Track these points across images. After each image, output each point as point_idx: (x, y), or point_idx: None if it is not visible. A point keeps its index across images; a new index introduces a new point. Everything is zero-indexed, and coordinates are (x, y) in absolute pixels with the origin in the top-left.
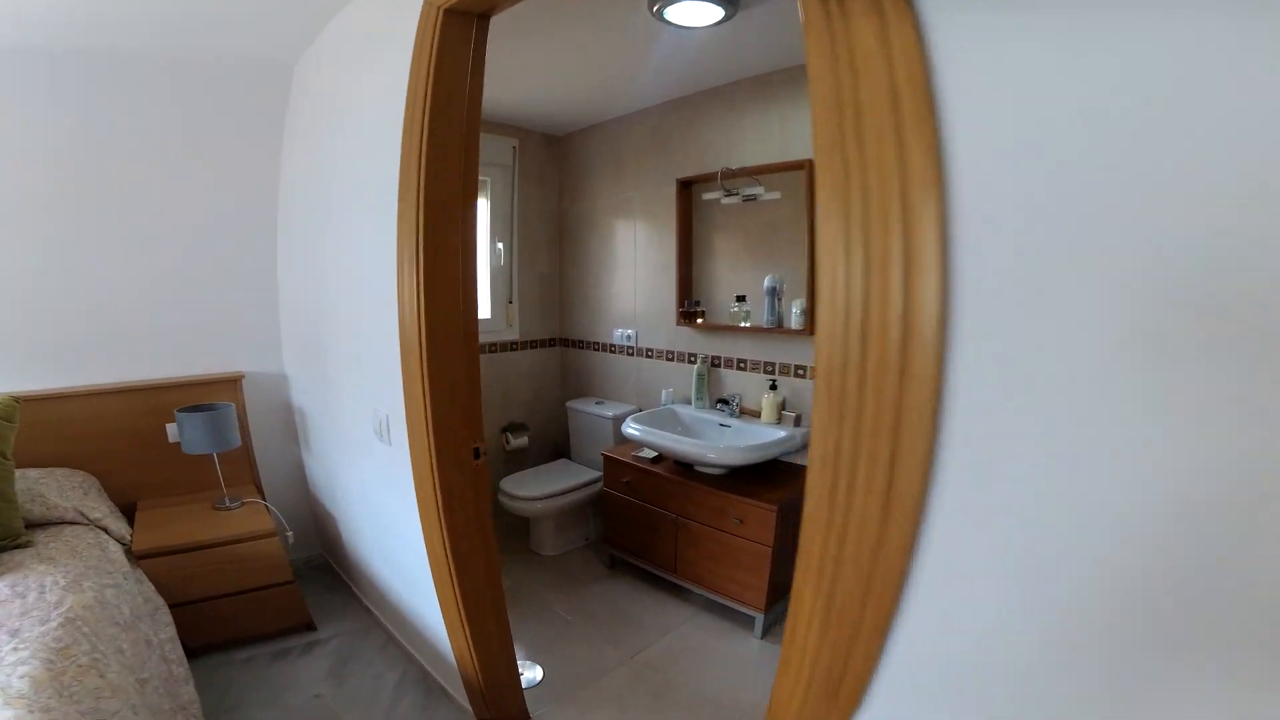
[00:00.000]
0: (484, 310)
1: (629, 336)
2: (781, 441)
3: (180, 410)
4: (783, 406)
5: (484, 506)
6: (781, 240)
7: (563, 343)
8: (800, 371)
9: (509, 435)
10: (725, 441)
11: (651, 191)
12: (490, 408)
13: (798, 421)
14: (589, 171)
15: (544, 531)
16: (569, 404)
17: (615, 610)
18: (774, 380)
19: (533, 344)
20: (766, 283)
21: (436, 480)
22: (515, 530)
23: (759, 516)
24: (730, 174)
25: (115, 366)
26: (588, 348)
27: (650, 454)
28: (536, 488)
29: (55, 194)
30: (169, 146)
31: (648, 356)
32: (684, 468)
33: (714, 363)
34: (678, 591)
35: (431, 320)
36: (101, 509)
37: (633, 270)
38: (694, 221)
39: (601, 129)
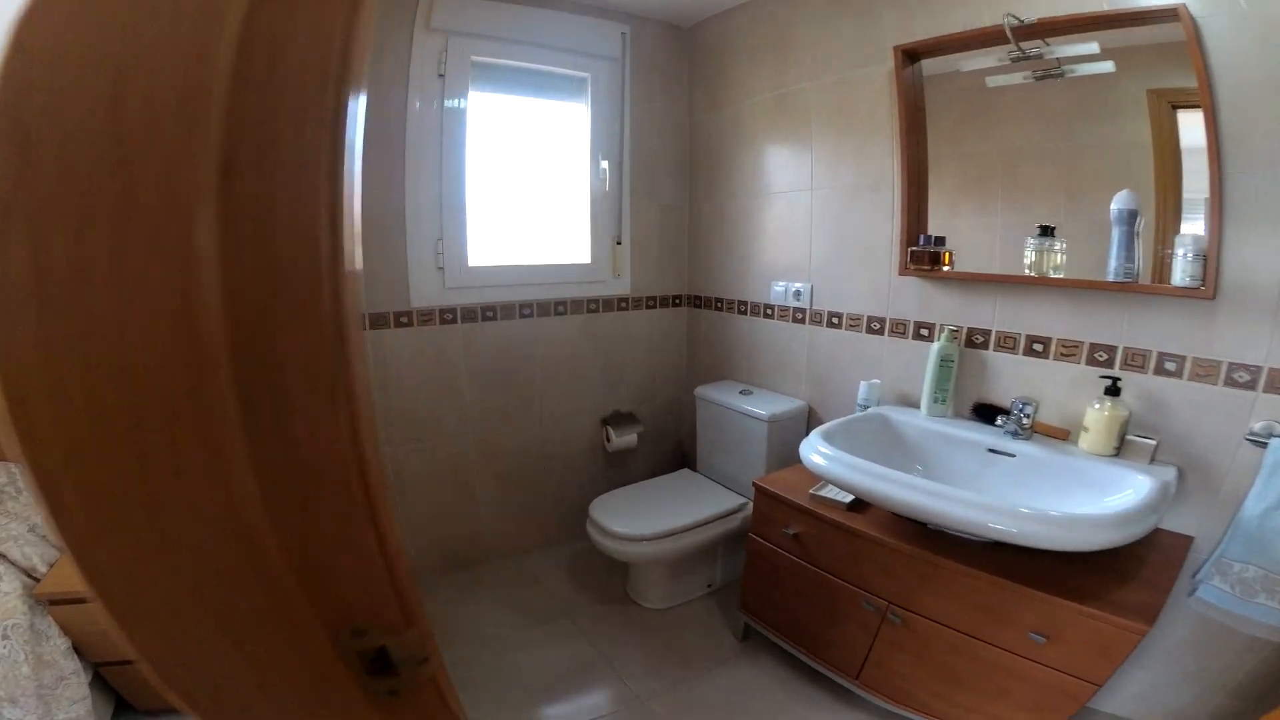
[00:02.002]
0: (580, 253)
1: (798, 294)
2: (1153, 505)
3: None
4: (1125, 426)
5: None
6: (1124, 140)
7: (693, 302)
8: (1171, 364)
9: (610, 430)
10: (999, 488)
11: (841, 76)
12: (588, 388)
13: (1154, 455)
14: (732, 65)
15: (648, 577)
16: (699, 391)
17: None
18: (1114, 378)
19: (650, 302)
20: (1118, 204)
21: None
22: (607, 565)
23: (1097, 636)
24: (1026, 31)
25: None
26: (730, 309)
27: (844, 497)
28: (643, 520)
29: None
30: None
31: (831, 325)
32: (911, 524)
33: (972, 340)
34: (842, 694)
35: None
36: (13, 526)
37: (806, 196)
38: (927, 113)
39: (750, 5)
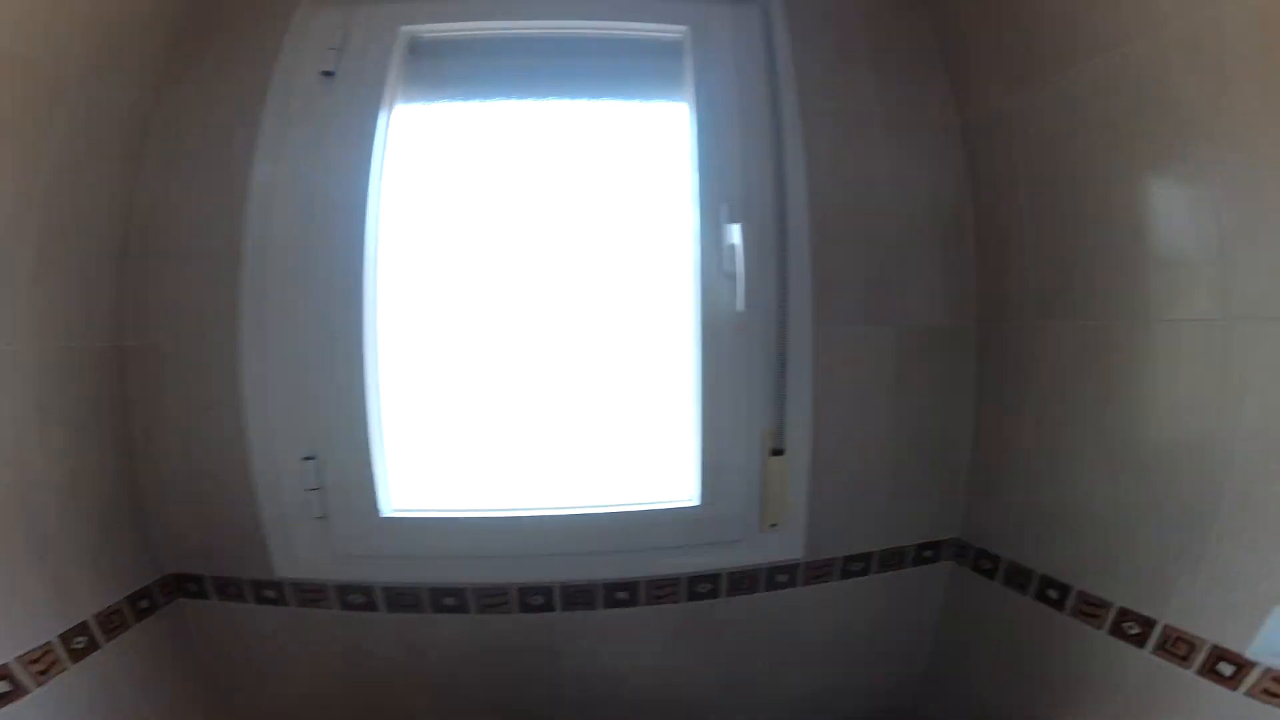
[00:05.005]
0: (673, 480)
1: None
2: None
3: None
4: None
5: None
6: None
7: (970, 558)
8: None
9: None
10: None
11: None
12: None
13: None
14: None
15: None
16: None
17: None
18: None
19: (853, 565)
20: None
21: None
22: None
23: None
24: None
25: None
26: (1089, 614)
27: None
28: None
29: None
30: None
31: None
32: None
33: None
34: None
35: None
36: None
37: None
38: None
39: None
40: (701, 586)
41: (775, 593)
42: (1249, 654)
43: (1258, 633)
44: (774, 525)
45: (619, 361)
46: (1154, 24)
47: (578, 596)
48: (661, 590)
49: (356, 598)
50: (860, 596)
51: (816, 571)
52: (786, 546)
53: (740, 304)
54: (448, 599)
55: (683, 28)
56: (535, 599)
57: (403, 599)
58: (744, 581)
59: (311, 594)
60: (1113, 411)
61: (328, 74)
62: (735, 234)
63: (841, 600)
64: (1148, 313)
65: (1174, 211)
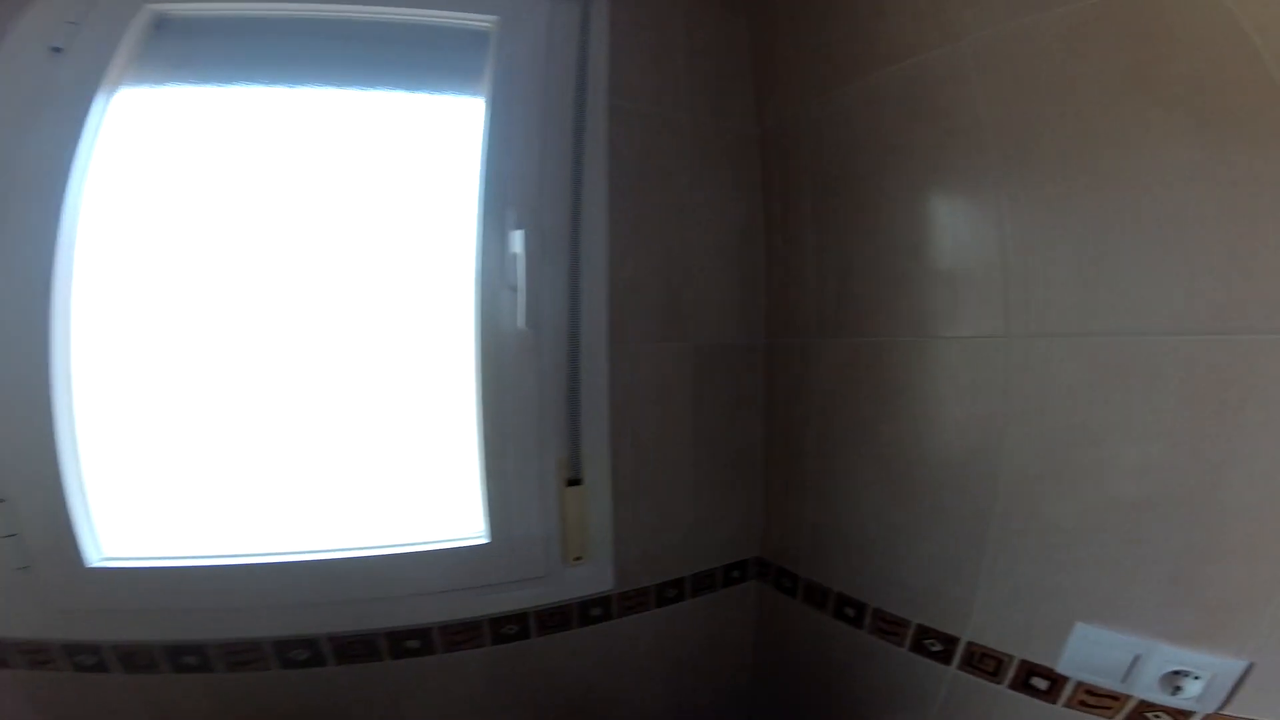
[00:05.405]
0: (456, 517)
1: (1176, 680)
2: None
3: None
4: None
5: None
6: None
7: (773, 578)
8: None
9: None
10: None
11: None
12: None
13: None
14: None
15: None
16: None
17: None
18: None
19: (668, 592)
20: None
21: None
22: None
23: None
24: None
25: None
26: (892, 634)
27: None
28: None
29: None
30: None
31: None
32: None
33: None
34: None
35: None
36: None
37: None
38: None
39: None
40: (508, 628)
41: (591, 627)
42: (1060, 669)
43: (1064, 648)
44: (579, 558)
45: (390, 386)
46: (953, 35)
47: (355, 648)
48: (460, 635)
49: (86, 658)
50: (680, 622)
51: (631, 602)
52: (595, 579)
53: (521, 320)
54: (187, 657)
55: (493, 18)
56: (298, 654)
57: (136, 659)
58: (555, 618)
59: (38, 655)
60: (890, 429)
61: (56, 50)
62: (518, 242)
63: (662, 628)
64: (926, 329)
65: (957, 226)
